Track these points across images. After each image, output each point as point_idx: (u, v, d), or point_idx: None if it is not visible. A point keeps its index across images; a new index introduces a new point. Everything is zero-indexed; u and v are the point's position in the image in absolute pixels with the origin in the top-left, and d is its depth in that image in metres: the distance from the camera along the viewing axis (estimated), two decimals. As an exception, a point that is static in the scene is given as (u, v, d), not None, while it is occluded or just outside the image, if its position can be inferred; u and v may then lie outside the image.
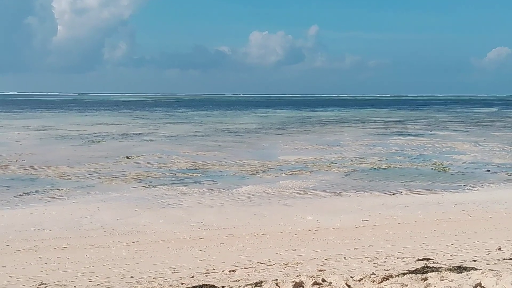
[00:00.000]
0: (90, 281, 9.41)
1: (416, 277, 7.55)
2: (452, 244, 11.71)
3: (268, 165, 28.87)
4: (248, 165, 28.98)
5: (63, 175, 25.33)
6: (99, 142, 41.37)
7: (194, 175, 25.90)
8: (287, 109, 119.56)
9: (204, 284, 8.28)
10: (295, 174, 26.27)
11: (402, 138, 46.25)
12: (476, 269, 8.31)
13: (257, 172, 26.80)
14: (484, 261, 9.77)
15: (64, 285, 9.13)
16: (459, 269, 8.47)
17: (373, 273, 8.03)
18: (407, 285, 7.04)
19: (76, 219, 16.53)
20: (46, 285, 9.12)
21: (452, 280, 7.28)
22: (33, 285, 9.16)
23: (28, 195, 20.92)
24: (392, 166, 28.87)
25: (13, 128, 54.07)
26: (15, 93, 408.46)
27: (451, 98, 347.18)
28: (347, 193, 21.71)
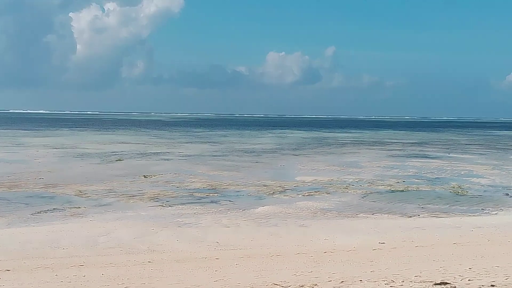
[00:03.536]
0: (106, 300, 9.43)
1: (433, 301, 7.49)
2: (470, 268, 11.59)
3: (285, 186, 28.85)
4: (264, 185, 28.98)
5: (81, 193, 25.50)
6: (117, 160, 41.62)
7: (211, 194, 25.95)
8: (304, 130, 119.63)
9: (219, 305, 8.27)
10: (312, 195, 26.21)
11: (420, 160, 45.99)
12: (494, 294, 8.22)
13: (273, 192, 26.78)
14: (503, 286, 9.67)
15: (80, 303, 9.16)
16: (477, 294, 8.39)
17: (390, 296, 7.98)
18: (424, 309, 6.98)
19: (93, 237, 16.60)
20: (62, 303, 9.16)
21: (470, 305, 7.21)
22: (49, 303, 9.20)
23: (45, 212, 21.08)
24: (409, 189, 28.70)
25: (32, 146, 54.63)
26: (34, 111, 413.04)
27: (470, 120, 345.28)
28: (364, 215, 21.60)
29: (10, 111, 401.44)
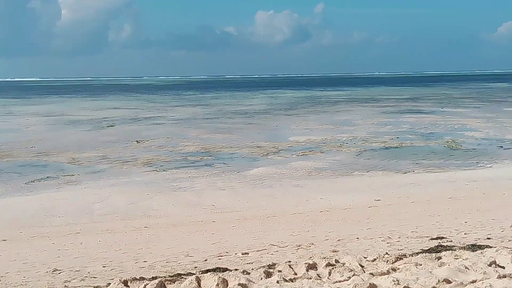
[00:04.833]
0: (104, 266, 9.42)
1: (430, 256, 7.50)
2: (465, 222, 11.63)
3: (279, 146, 28.80)
4: (258, 146, 28.93)
5: (74, 161, 25.39)
6: (108, 126, 41.44)
7: (205, 158, 25.88)
8: (296, 89, 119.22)
9: (217, 267, 8.26)
10: (306, 154, 26.19)
11: (414, 116, 46.01)
12: (490, 247, 8.24)
13: (267, 153, 26.74)
14: (499, 239, 9.70)
15: (78, 270, 9.15)
16: (473, 247, 8.41)
17: (387, 253, 7.98)
18: (421, 265, 6.99)
19: (88, 204, 16.57)
20: (60, 271, 9.14)
21: (467, 259, 7.23)
22: (47, 271, 9.18)
23: (39, 181, 20.98)
24: (403, 145, 28.73)
25: (23, 114, 54.28)
26: (22, 79, 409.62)
27: (462, 74, 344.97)
28: (359, 173, 21.63)
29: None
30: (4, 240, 12.41)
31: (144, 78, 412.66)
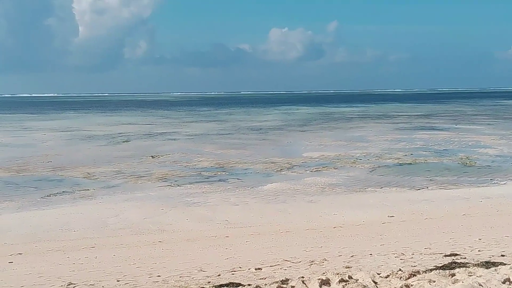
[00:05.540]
0: (118, 281, 9.49)
1: (444, 273, 7.50)
2: (479, 239, 11.58)
3: (293, 162, 28.83)
4: (272, 162, 28.97)
5: (89, 175, 25.58)
6: (124, 142, 41.69)
7: (219, 173, 25.97)
8: (310, 106, 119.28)
9: (230, 283, 8.30)
10: (319, 170, 26.20)
11: (427, 132, 45.86)
12: (505, 264, 8.21)
13: (281, 169, 26.78)
14: (513, 256, 9.65)
15: (92, 284, 9.22)
16: (487, 264, 8.38)
17: (400, 270, 7.99)
18: (434, 281, 6.99)
19: (103, 218, 16.68)
20: (74, 285, 9.22)
21: (480, 276, 7.22)
22: (62, 285, 9.26)
23: (55, 195, 21.17)
24: (417, 161, 28.63)
25: (39, 130, 54.76)
26: (39, 94, 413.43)
27: (476, 91, 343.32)
28: (373, 189, 21.59)
29: (16, 95, 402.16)
30: (20, 253, 12.53)
31: (159, 94, 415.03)
